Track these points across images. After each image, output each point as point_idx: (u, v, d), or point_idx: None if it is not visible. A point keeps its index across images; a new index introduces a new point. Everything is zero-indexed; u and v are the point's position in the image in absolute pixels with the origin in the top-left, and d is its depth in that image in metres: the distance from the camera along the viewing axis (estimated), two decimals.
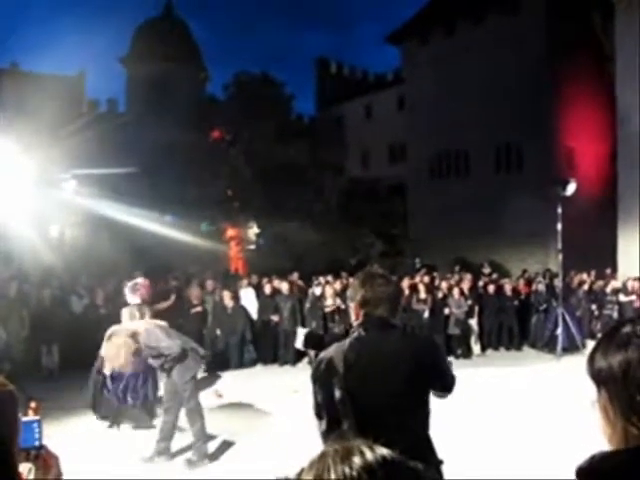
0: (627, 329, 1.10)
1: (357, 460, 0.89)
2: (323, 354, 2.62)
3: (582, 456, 1.11)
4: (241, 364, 12.01)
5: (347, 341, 2.60)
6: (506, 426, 7.19)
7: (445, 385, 2.68)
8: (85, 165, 17.24)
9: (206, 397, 9.06)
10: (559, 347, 12.14)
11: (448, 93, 26.18)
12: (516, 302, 14.21)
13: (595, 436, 1.17)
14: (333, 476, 0.88)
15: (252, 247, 27.89)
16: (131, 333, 5.56)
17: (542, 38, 24.19)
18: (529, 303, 14.33)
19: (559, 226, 12.15)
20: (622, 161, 18.91)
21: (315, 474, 0.89)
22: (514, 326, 13.81)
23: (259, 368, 12.13)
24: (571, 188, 12.29)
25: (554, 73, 23.88)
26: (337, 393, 2.44)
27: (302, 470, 0.92)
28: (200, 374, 11.44)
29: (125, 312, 6.82)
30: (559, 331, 12.27)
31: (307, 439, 6.84)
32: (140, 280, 7.62)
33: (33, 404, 2.10)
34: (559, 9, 24.06)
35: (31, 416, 1.95)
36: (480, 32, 25.61)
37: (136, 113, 29.67)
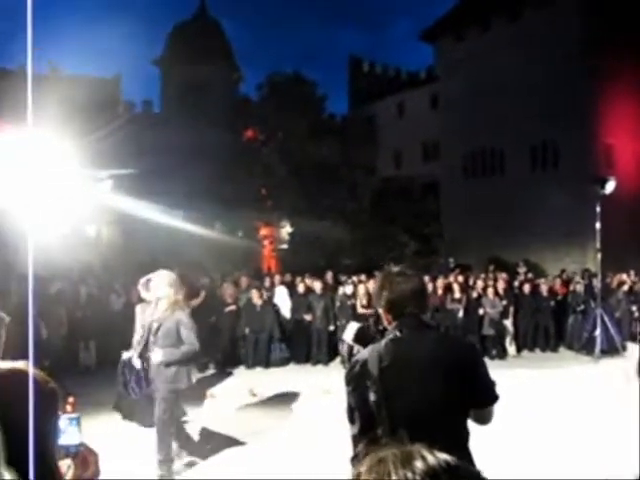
0: None
1: (419, 464, 0.87)
2: (358, 356, 2.56)
3: (618, 460, 1.08)
4: (272, 362, 12.05)
5: (382, 342, 2.52)
6: (541, 429, 7.07)
7: (488, 395, 2.50)
8: (121, 165, 17.50)
9: (240, 395, 9.15)
10: (597, 349, 11.88)
11: (482, 90, 25.87)
12: (552, 302, 13.96)
13: (633, 439, 1.14)
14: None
15: (285, 246, 28.00)
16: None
17: (578, 33, 23.72)
18: (566, 303, 14.07)
19: (598, 225, 11.89)
20: None
21: (375, 478, 0.88)
22: (550, 327, 13.57)
23: (292, 367, 12.16)
24: (610, 186, 12.02)
25: (591, 69, 23.38)
26: (372, 396, 2.37)
27: (359, 473, 0.91)
28: (234, 370, 11.59)
29: (139, 308, 6.89)
30: (597, 332, 12.01)
31: (338, 440, 6.81)
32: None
33: (71, 399, 2.13)
34: (596, 3, 23.56)
35: (70, 412, 1.98)
36: (515, 28, 25.25)
37: (171, 114, 30.02)
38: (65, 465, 1.77)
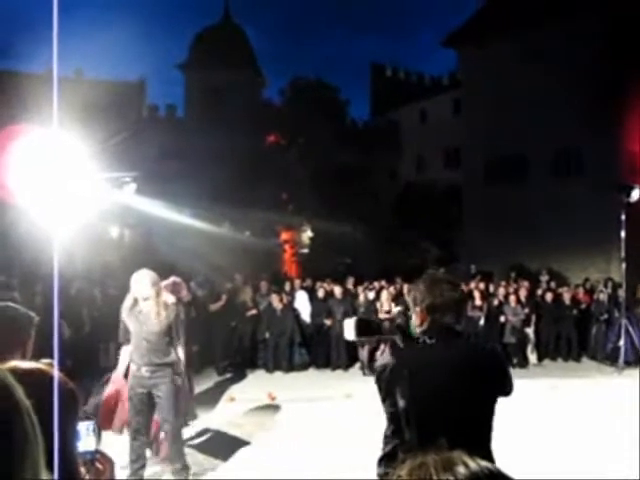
0: None
1: (461, 470, 0.87)
2: (386, 360, 2.52)
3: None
4: (292, 366, 12.06)
5: (411, 348, 2.53)
6: (563, 440, 6.96)
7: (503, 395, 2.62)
8: (145, 168, 17.70)
9: (259, 399, 9.16)
10: (621, 359, 11.68)
11: (505, 96, 25.68)
12: (575, 311, 13.77)
13: None
14: None
15: (305, 250, 28.04)
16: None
17: (602, 41, 23.43)
18: (589, 313, 13.87)
19: (622, 234, 11.71)
20: None
21: None
22: (573, 336, 13.39)
23: (311, 371, 12.15)
24: (635, 194, 11.83)
25: (616, 75, 23.08)
26: (401, 402, 2.38)
27: (399, 476, 0.90)
28: (253, 374, 11.61)
29: None
30: (622, 343, 11.81)
31: (356, 444, 6.79)
32: (177, 279, 7.69)
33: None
34: (621, 9, 23.27)
35: (86, 420, 1.98)
36: (539, 34, 25.03)
37: (194, 118, 30.29)
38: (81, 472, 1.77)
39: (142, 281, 5.34)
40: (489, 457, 2.43)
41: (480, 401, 2.44)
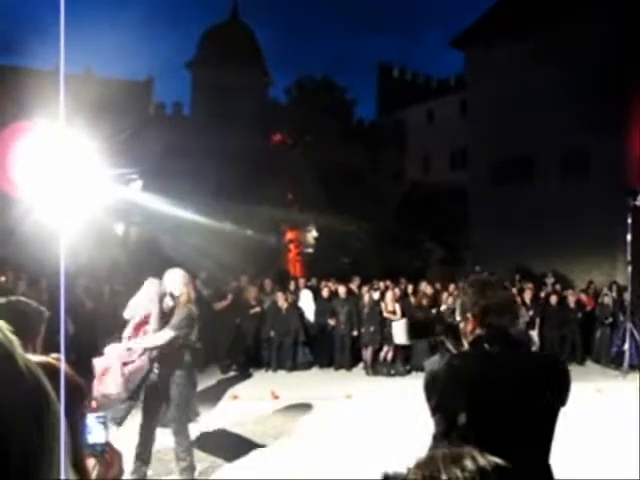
0: None
1: (469, 464, 0.89)
2: (436, 367, 2.29)
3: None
4: (295, 365, 12.06)
5: (467, 356, 2.34)
6: (564, 443, 6.93)
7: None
8: (151, 166, 17.75)
9: (262, 397, 9.17)
10: (626, 363, 11.65)
11: (512, 98, 25.62)
12: (580, 314, 13.74)
13: None
14: (444, 477, 0.87)
15: (310, 250, 28.05)
16: None
17: (611, 44, 23.35)
18: (594, 316, 13.83)
19: (629, 237, 11.68)
20: None
21: (424, 475, 0.89)
22: (577, 339, 13.35)
23: (314, 371, 12.16)
24: None
25: (624, 77, 23.00)
26: (460, 418, 2.16)
27: (409, 471, 0.92)
28: (257, 373, 11.63)
29: None
30: (627, 346, 11.78)
31: (357, 444, 6.79)
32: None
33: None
34: (630, 9, 23.17)
35: (97, 412, 1.99)
36: (547, 36, 24.95)
37: (201, 116, 30.34)
38: (90, 464, 1.78)
39: (176, 279, 5.59)
40: (548, 473, 2.29)
41: (545, 417, 2.29)
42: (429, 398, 2.26)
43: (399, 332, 2.98)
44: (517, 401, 2.20)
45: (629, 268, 11.94)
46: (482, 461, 0.90)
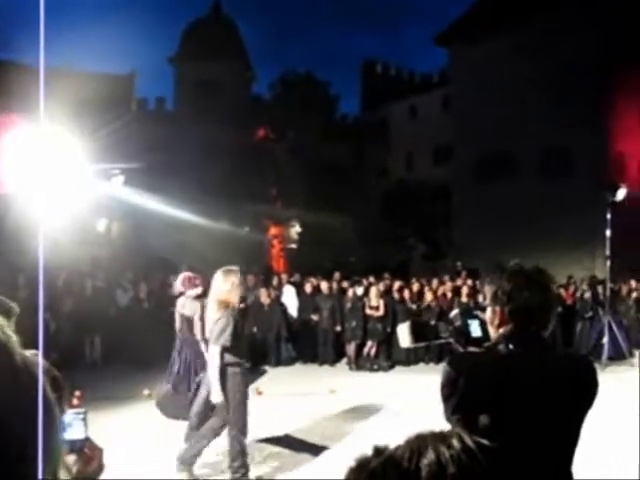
0: None
1: (456, 442, 0.92)
2: (459, 365, 2.12)
3: (625, 469, 1.09)
4: (279, 361, 12.07)
5: (491, 357, 2.16)
6: None
7: None
8: (133, 161, 17.62)
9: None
10: (604, 356, 11.83)
11: (495, 94, 25.80)
12: (560, 308, 13.89)
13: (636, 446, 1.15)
14: (431, 454, 0.90)
15: (294, 245, 28.05)
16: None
17: (593, 40, 23.58)
18: (574, 310, 14.01)
19: (608, 232, 11.83)
20: None
21: (411, 450, 0.92)
22: (557, 333, 13.49)
23: (298, 366, 12.17)
24: (621, 193, 11.97)
25: (606, 75, 23.26)
26: (482, 419, 2.00)
27: (398, 446, 0.94)
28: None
29: (186, 303, 7.02)
30: (605, 340, 11.96)
31: (341, 439, 6.81)
32: (190, 273, 7.73)
33: (78, 393, 2.15)
34: (612, 6, 23.41)
35: (77, 407, 1.99)
36: (528, 33, 25.14)
37: (184, 111, 30.17)
38: (71, 460, 1.78)
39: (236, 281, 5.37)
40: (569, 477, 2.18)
41: (573, 422, 2.16)
42: (448, 398, 2.07)
43: (403, 335, 2.95)
44: (543, 406, 2.07)
45: (608, 263, 12.11)
46: (468, 441, 0.93)
